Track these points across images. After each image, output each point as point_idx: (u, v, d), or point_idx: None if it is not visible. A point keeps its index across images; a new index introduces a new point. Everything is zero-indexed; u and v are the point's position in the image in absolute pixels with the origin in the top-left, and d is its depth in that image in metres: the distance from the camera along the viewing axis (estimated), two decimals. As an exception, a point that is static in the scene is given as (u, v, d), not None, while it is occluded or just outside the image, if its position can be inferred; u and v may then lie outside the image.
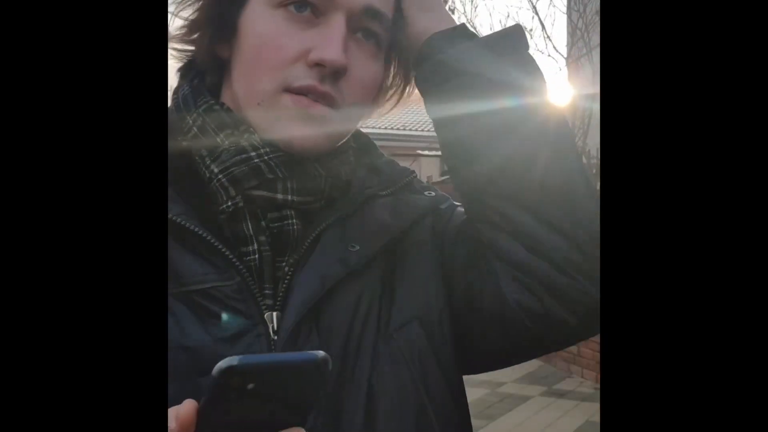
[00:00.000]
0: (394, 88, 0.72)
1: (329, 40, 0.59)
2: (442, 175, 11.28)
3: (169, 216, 0.57)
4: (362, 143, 0.74)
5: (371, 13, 0.61)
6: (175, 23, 0.66)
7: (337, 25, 0.59)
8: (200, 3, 0.65)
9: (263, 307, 0.58)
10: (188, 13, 0.65)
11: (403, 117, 18.82)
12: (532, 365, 6.54)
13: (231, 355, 0.44)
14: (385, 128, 17.61)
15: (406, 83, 0.72)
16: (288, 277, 0.60)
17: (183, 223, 0.57)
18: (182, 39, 0.66)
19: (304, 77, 0.59)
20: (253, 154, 0.60)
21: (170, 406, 0.48)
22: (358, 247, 0.62)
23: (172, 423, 0.44)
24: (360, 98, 0.63)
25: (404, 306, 0.64)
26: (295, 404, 0.44)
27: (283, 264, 0.61)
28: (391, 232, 0.66)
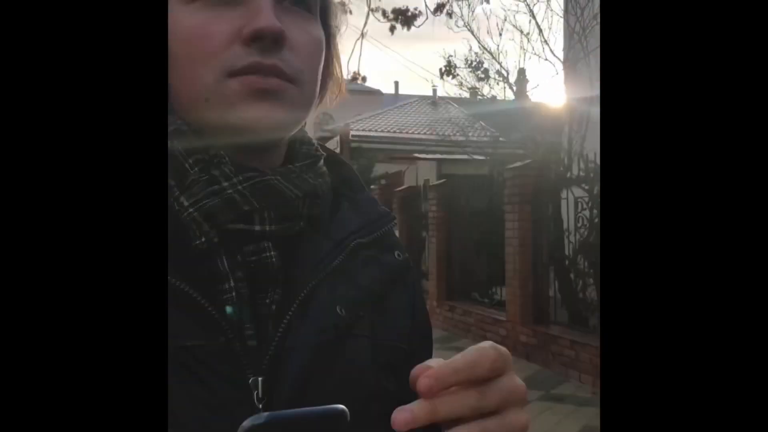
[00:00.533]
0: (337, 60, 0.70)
1: (258, 11, 0.56)
2: (438, 178, 11.27)
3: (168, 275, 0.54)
4: (334, 162, 0.71)
5: None
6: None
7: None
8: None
9: (248, 372, 0.55)
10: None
11: (400, 119, 18.84)
12: (530, 369, 6.54)
13: (215, 424, 0.46)
14: (382, 131, 17.63)
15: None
16: (276, 337, 0.57)
17: (172, 281, 0.54)
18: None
19: (244, 56, 0.56)
20: (226, 184, 0.57)
21: None
22: (344, 313, 0.60)
23: None
24: (308, 64, 0.60)
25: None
26: None
27: (267, 300, 0.58)
28: (371, 296, 0.64)
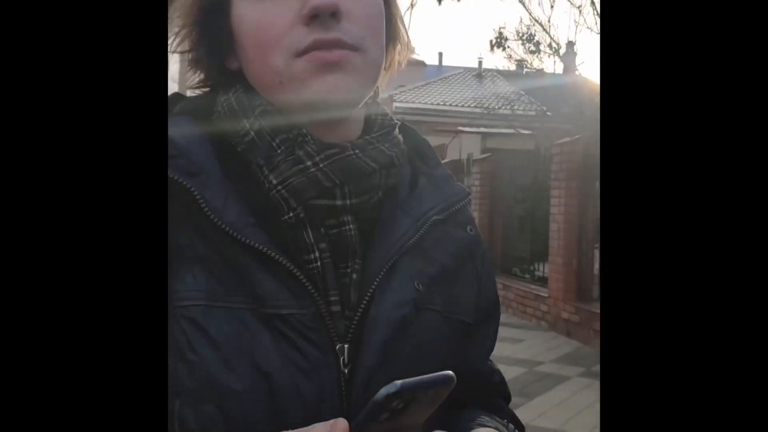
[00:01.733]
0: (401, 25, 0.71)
1: None
2: (482, 152, 11.16)
3: (257, 245, 0.59)
4: (410, 138, 0.74)
5: None
6: (178, 68, 0.69)
7: None
8: (192, 38, 0.67)
9: (335, 339, 0.60)
10: (183, 47, 0.68)
11: (444, 91, 18.65)
12: (571, 345, 6.50)
13: (307, 385, 0.55)
14: (426, 104, 17.49)
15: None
16: (360, 308, 0.62)
17: (270, 253, 0.59)
18: (191, 85, 0.70)
19: (306, 36, 0.60)
20: (309, 163, 0.61)
21: (242, 422, 0.54)
22: (422, 288, 0.65)
23: None
24: (370, 30, 0.63)
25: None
26: (423, 416, 0.52)
27: (348, 270, 0.63)
28: (446, 272, 0.69)
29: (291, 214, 0.61)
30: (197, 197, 0.58)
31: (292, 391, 0.57)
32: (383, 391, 0.48)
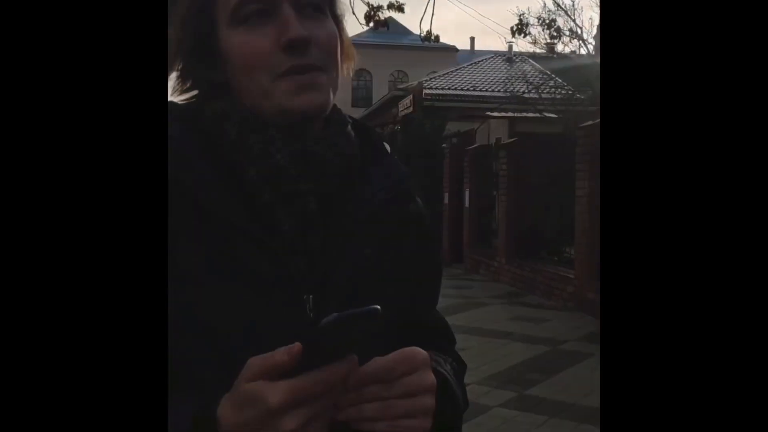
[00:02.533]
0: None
1: (287, 25, 0.75)
2: (510, 136, 11.18)
3: (231, 218, 0.73)
4: (361, 130, 0.89)
5: None
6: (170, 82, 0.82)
7: (287, 12, 0.76)
8: (181, 54, 0.81)
9: (303, 293, 0.76)
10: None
11: (474, 76, 18.53)
12: (595, 325, 6.58)
13: (281, 328, 0.66)
14: (455, 89, 17.44)
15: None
16: (322, 268, 0.77)
17: (244, 225, 0.74)
18: (181, 91, 0.85)
19: (285, 61, 0.76)
20: (278, 156, 0.77)
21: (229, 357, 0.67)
22: (371, 253, 0.80)
23: (284, 356, 0.60)
24: (331, 55, 0.80)
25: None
26: (354, 344, 0.64)
27: (312, 239, 0.78)
28: (393, 239, 0.84)
29: (266, 196, 0.77)
30: (192, 187, 0.73)
31: (268, 333, 0.70)
32: (323, 321, 0.59)
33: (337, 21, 0.85)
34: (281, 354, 0.60)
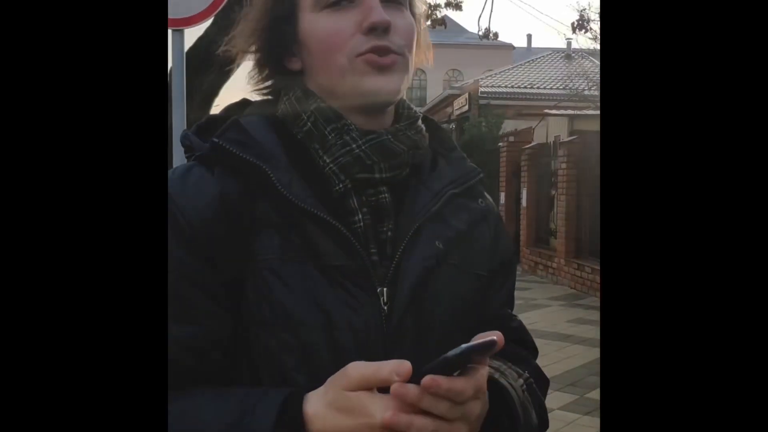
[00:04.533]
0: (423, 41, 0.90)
1: (371, 9, 0.77)
2: (570, 134, 10.97)
3: (319, 213, 0.75)
4: (431, 127, 0.91)
5: None
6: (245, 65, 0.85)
7: (369, 0, 0.78)
8: (260, 42, 0.84)
9: (376, 283, 0.77)
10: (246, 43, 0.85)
11: (532, 73, 18.29)
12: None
13: (356, 319, 0.72)
14: (512, 86, 17.24)
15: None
16: (394, 261, 0.78)
17: (329, 220, 0.76)
18: (258, 80, 0.87)
19: (365, 42, 0.78)
20: (354, 146, 0.79)
21: (309, 348, 0.72)
22: (442, 247, 0.82)
23: (393, 376, 0.62)
24: (407, 43, 0.81)
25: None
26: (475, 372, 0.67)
27: (384, 229, 0.80)
28: (461, 234, 0.85)
29: (340, 185, 0.79)
30: (272, 176, 0.75)
31: (344, 323, 0.74)
32: (451, 352, 0.61)
33: (414, 17, 0.86)
34: (389, 372, 0.62)
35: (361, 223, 0.79)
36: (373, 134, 0.81)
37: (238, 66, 0.95)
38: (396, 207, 0.82)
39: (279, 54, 0.84)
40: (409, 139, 0.83)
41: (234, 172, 0.76)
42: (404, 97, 0.87)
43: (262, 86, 0.87)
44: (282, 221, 0.76)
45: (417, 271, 0.79)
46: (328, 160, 0.79)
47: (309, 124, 0.81)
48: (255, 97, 0.88)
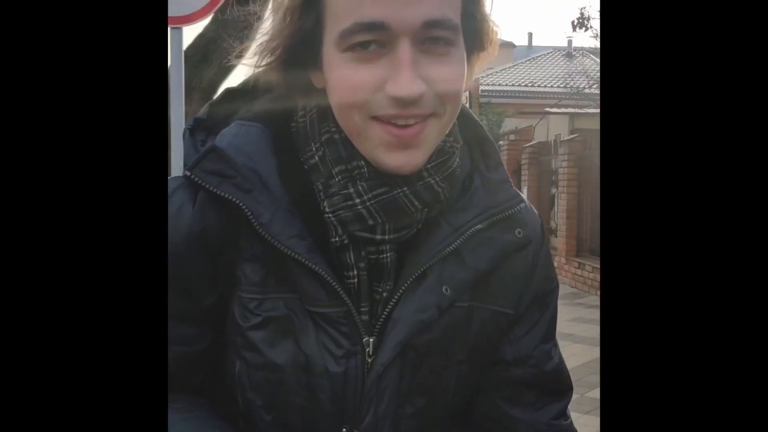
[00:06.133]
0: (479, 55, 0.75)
1: (398, 74, 0.63)
2: (570, 133, 10.95)
3: (297, 256, 0.68)
4: (477, 137, 0.78)
5: (431, 24, 0.63)
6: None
7: (403, 53, 0.63)
8: (276, 52, 0.70)
9: (362, 333, 0.71)
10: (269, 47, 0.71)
11: (532, 72, 18.28)
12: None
13: (335, 367, 0.68)
14: (512, 85, 17.22)
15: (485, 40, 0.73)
16: (388, 307, 0.72)
17: (308, 264, 0.69)
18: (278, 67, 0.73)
19: (387, 106, 0.65)
20: (357, 201, 0.69)
21: (281, 390, 0.69)
22: (450, 293, 0.72)
23: None
24: (449, 93, 0.67)
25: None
26: None
27: (379, 289, 0.72)
28: (478, 275, 0.74)
29: (337, 239, 0.70)
30: (246, 212, 0.68)
31: (323, 371, 0.70)
32: None
33: (475, 47, 0.72)
34: None
35: (356, 280, 0.71)
36: (385, 187, 0.69)
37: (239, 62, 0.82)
38: (402, 259, 0.73)
39: (302, 67, 0.71)
40: (430, 190, 0.71)
41: (215, 201, 0.70)
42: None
43: (276, 105, 0.75)
44: (267, 255, 0.70)
45: (408, 324, 0.71)
46: (327, 209, 0.70)
47: (317, 157, 0.71)
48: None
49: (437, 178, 0.71)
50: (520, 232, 0.76)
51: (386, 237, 0.71)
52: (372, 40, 0.64)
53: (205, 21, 3.40)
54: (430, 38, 0.64)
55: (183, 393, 0.73)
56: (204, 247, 0.70)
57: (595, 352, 5.81)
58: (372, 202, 0.70)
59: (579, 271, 9.00)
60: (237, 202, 0.68)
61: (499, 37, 0.73)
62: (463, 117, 0.76)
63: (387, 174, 0.69)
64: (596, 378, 4.99)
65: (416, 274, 0.72)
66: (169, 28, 2.59)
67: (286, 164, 0.71)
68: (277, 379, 0.70)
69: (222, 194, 0.68)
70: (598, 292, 8.28)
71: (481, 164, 0.77)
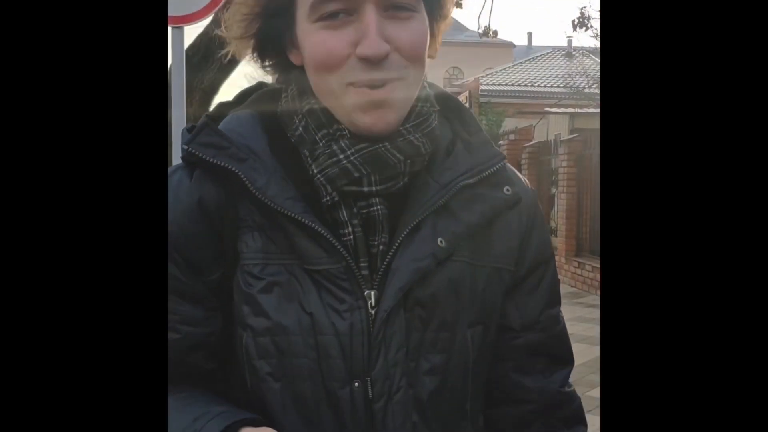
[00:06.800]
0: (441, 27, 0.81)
1: (365, 36, 0.69)
2: (570, 133, 10.96)
3: (293, 215, 0.72)
4: (453, 108, 0.84)
5: None
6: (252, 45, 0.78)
7: (369, 18, 0.69)
8: (251, 26, 0.76)
9: (363, 286, 0.74)
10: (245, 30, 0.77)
11: (532, 71, 18.28)
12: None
13: (341, 323, 0.71)
14: (512, 85, 17.22)
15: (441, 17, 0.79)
16: (386, 260, 0.75)
17: (305, 221, 0.72)
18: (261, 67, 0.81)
19: (359, 70, 0.70)
20: (341, 156, 0.74)
21: (290, 353, 0.71)
22: (445, 244, 0.75)
23: None
24: (415, 57, 0.73)
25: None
26: None
27: (375, 242, 0.75)
28: (471, 228, 0.78)
29: (328, 198, 0.74)
30: (242, 178, 0.72)
31: (329, 327, 0.72)
32: None
33: (435, 15, 0.78)
34: None
35: (351, 236, 0.74)
36: (366, 143, 0.74)
37: (238, 59, 0.90)
38: (393, 214, 0.76)
39: (278, 46, 0.77)
40: (410, 145, 0.75)
41: (212, 174, 0.74)
42: (425, 86, 0.79)
43: (268, 80, 0.82)
44: (265, 222, 0.74)
45: (407, 272, 0.74)
46: (315, 170, 0.75)
47: (300, 128, 0.76)
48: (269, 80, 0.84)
49: (416, 135, 0.76)
50: (508, 190, 0.81)
51: (373, 189, 0.75)
52: (340, 9, 0.70)
53: (206, 21, 3.41)
54: (394, 5, 0.71)
55: (188, 383, 0.74)
56: (205, 215, 0.74)
57: (595, 352, 5.81)
58: (356, 155, 0.74)
59: (579, 271, 9.00)
60: (233, 169, 0.72)
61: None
62: (435, 89, 0.81)
63: (377, 126, 0.74)
64: (596, 377, 4.99)
65: (410, 227, 0.75)
66: (170, 28, 2.60)
67: (275, 141, 0.76)
68: (285, 343, 0.72)
69: (219, 163, 0.72)
70: (598, 292, 8.30)
71: (462, 132, 0.82)
